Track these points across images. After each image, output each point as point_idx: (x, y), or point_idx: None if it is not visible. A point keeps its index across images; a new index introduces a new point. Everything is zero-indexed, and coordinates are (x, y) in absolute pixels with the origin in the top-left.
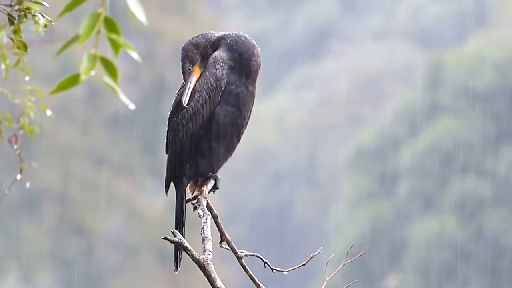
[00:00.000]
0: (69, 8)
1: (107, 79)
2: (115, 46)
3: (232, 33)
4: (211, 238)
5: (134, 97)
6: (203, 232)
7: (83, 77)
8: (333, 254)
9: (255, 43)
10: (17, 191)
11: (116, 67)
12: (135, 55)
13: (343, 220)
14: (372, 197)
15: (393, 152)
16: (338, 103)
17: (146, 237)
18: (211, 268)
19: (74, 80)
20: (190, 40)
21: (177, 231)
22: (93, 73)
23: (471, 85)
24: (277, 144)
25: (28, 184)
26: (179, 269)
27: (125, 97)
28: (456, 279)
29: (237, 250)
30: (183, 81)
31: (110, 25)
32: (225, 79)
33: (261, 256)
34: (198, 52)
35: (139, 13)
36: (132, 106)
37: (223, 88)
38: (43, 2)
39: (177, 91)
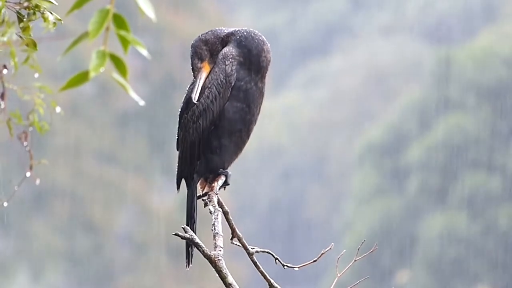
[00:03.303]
0: (78, 5)
1: (117, 76)
2: (124, 43)
3: (242, 29)
4: (222, 234)
5: (144, 94)
6: (214, 228)
7: (92, 74)
8: (344, 250)
9: (265, 39)
10: (27, 188)
11: (126, 64)
12: (144, 52)
13: (353, 216)
14: (382, 193)
15: (403, 148)
16: (347, 99)
17: (157, 234)
18: (222, 264)
19: (83, 77)
20: (199, 36)
21: (188, 227)
22: (102, 70)
23: (480, 81)
24: (287, 140)
25: (38, 181)
26: (190, 265)
27: (135, 94)
28: (467, 275)
29: (248, 247)
30: (193, 77)
31: (119, 21)
32: (235, 75)
33: (272, 253)
34: (207, 49)
35: (148, 10)
36: (142, 103)
37: (232, 84)
38: (52, 0)
39: (187, 88)
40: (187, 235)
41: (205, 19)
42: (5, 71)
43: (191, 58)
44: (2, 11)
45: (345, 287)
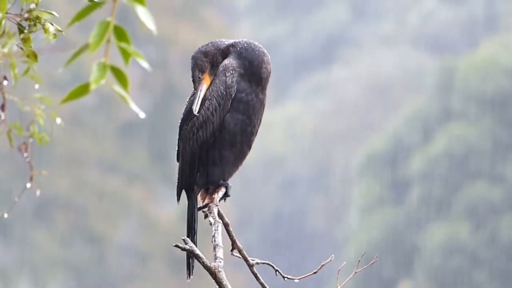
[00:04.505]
0: (79, 17)
1: (117, 88)
2: (125, 55)
3: (242, 41)
4: (222, 246)
5: (145, 105)
6: (214, 240)
7: (93, 87)
8: (345, 262)
9: (265, 51)
10: (28, 199)
11: (127, 76)
12: (145, 64)
13: (355, 227)
14: (384, 204)
15: (404, 158)
16: (349, 110)
17: (157, 244)
18: (222, 275)
19: (84, 89)
20: (199, 48)
21: (188, 239)
22: (103, 82)
23: (482, 91)
24: (288, 151)
25: (38, 192)
26: (191, 277)
27: (135, 106)
28: (468, 286)
29: (249, 258)
30: (193, 89)
31: (120, 33)
32: (235, 86)
33: (272, 264)
34: (207, 60)
35: (149, 23)
36: (142, 115)
37: (233, 96)
38: (53, 12)
39: (187, 99)
40: (187, 247)
41: (207, 30)
42: (5, 82)
43: (192, 69)
44: (3, 22)
45: None
